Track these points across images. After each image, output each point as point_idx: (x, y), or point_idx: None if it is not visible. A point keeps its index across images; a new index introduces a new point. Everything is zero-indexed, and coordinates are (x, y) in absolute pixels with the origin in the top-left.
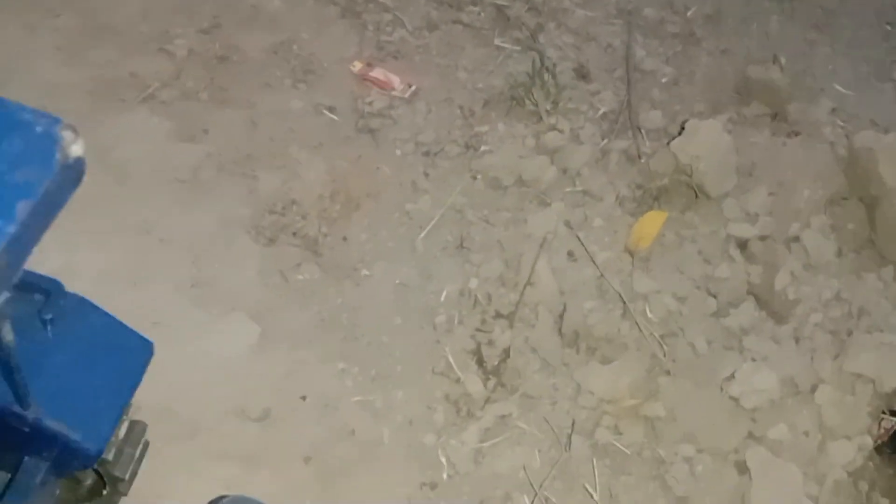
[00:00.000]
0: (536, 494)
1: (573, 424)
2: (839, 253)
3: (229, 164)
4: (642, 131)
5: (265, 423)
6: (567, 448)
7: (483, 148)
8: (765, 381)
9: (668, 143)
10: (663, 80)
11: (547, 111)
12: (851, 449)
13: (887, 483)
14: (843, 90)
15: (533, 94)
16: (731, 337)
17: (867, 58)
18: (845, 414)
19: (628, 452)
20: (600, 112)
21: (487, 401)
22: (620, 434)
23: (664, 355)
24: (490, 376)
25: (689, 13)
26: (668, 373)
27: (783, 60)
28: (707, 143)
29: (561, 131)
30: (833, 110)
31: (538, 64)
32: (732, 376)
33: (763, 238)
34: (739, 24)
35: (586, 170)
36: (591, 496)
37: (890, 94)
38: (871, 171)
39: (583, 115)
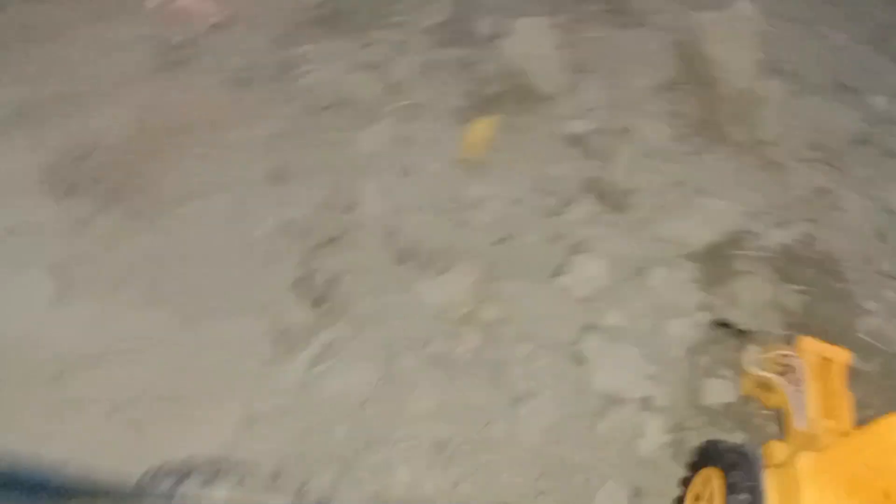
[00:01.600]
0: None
1: (406, 340)
2: (678, 137)
3: (24, 109)
4: (474, 38)
5: (60, 381)
6: (392, 365)
7: (302, 68)
8: (594, 268)
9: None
10: None
11: (372, 25)
12: (687, 325)
13: (727, 354)
14: None
15: (356, 8)
16: (568, 233)
17: None
18: (677, 290)
19: (466, 358)
20: (432, 21)
21: (316, 328)
22: (456, 342)
23: (497, 259)
24: (318, 304)
25: None
26: (503, 276)
27: None
28: (533, 42)
29: (387, 44)
30: None
31: None
32: (563, 269)
33: (599, 131)
34: None
35: (415, 82)
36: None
37: None
38: (702, 53)
39: (413, 27)
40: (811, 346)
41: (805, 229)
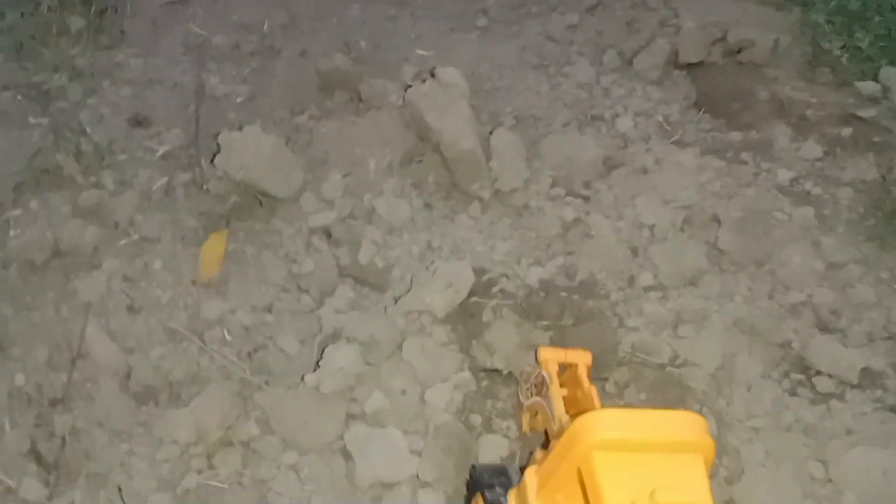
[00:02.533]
0: None
1: (155, 483)
2: (424, 207)
3: None
4: (206, 157)
5: None
6: None
7: (12, 233)
8: (350, 357)
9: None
10: (238, 101)
11: (85, 172)
12: (449, 389)
13: (501, 404)
14: (426, 52)
15: (63, 162)
16: (324, 326)
17: (448, 15)
18: (434, 357)
19: (225, 486)
20: (160, 153)
21: (50, 499)
22: (214, 470)
23: (250, 372)
24: (51, 471)
25: (264, 28)
26: (259, 388)
27: (363, 44)
28: (250, 148)
29: (103, 188)
30: (417, 74)
31: (62, 132)
32: (320, 365)
33: (343, 219)
34: (316, 23)
35: (140, 216)
36: None
37: (475, 43)
38: (422, 121)
39: (138, 162)
40: (550, 355)
41: (562, 262)
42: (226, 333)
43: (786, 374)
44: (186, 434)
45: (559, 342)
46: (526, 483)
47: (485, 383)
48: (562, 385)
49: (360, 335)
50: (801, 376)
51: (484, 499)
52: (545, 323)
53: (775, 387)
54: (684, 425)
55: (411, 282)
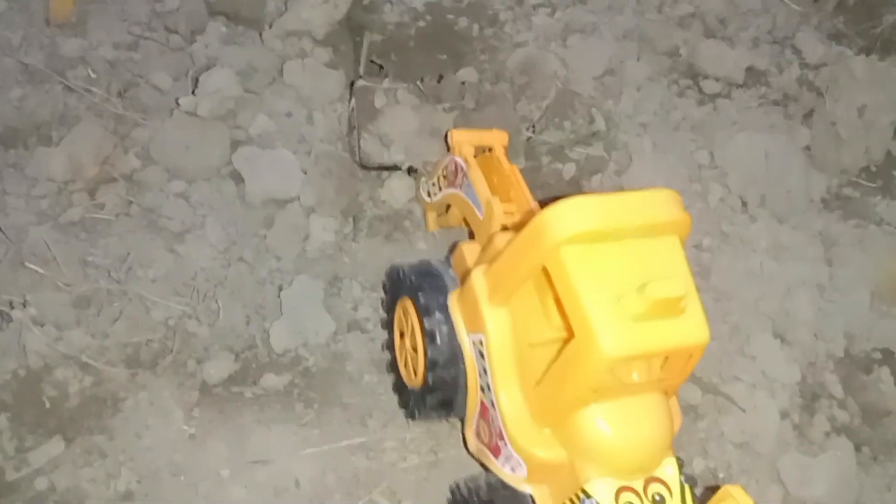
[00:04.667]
0: None
1: (34, 218)
2: None
3: None
4: None
5: None
6: (20, 242)
7: None
8: (221, 81)
9: None
10: None
11: None
12: (335, 115)
13: None
14: None
15: None
16: (197, 60)
17: None
18: (318, 78)
19: (112, 217)
20: None
21: None
22: (98, 203)
23: (122, 108)
24: None
25: None
26: (135, 123)
27: None
28: None
29: None
30: None
31: None
32: (196, 93)
33: None
34: None
35: None
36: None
37: None
38: None
39: None
40: (464, 137)
41: None
42: (90, 72)
43: (674, 81)
44: (62, 171)
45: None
46: (473, 285)
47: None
48: None
49: (237, 64)
50: (688, 81)
51: (415, 304)
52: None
53: (664, 90)
54: (659, 205)
55: (286, 5)
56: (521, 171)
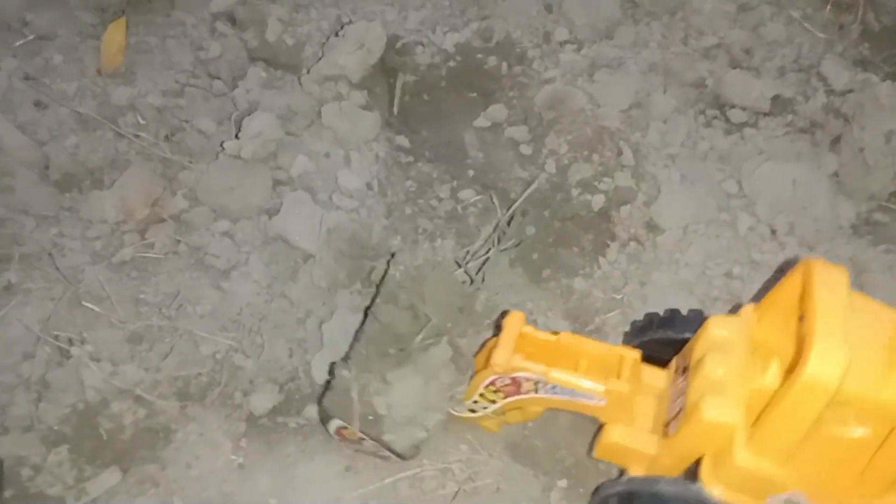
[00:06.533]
0: (39, 339)
1: (89, 259)
2: None
3: None
4: None
5: None
6: (76, 282)
7: None
8: (263, 124)
9: None
10: None
11: None
12: (373, 153)
13: None
14: None
15: None
16: (239, 104)
17: None
18: (353, 119)
19: (161, 256)
20: None
21: None
22: (148, 243)
23: (170, 153)
24: None
25: None
26: (182, 166)
27: None
28: None
29: None
30: None
31: None
32: (237, 136)
33: (244, 1)
34: None
35: (31, 15)
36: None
37: None
38: None
39: None
40: (503, 355)
41: (477, 26)
42: (139, 118)
43: (701, 111)
44: (114, 213)
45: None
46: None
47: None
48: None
49: (277, 107)
50: (715, 111)
51: None
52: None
53: (690, 121)
54: None
55: (322, 50)
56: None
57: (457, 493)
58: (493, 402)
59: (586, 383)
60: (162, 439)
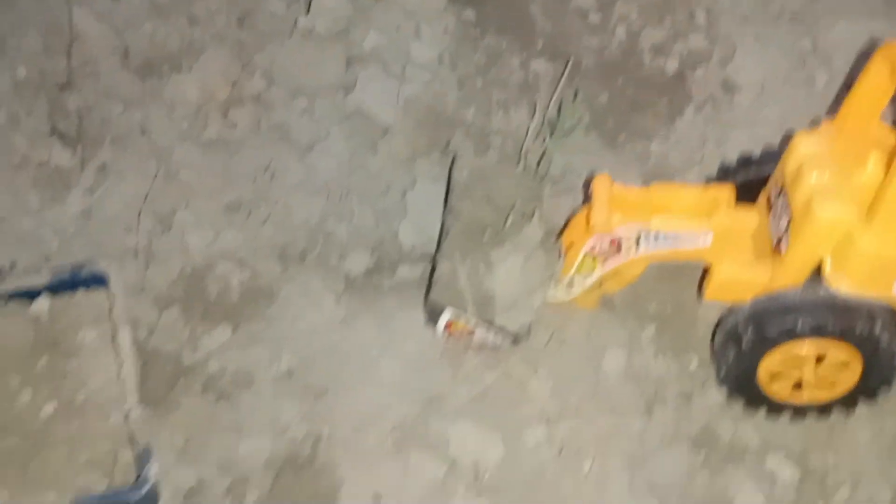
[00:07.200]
0: (141, 212)
1: (177, 136)
2: None
3: None
4: None
5: None
6: (168, 160)
7: None
8: (335, 1)
9: None
10: None
11: None
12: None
13: None
14: None
15: None
16: None
17: None
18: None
19: (246, 134)
20: None
21: (83, 160)
22: (231, 123)
23: (243, 35)
24: (75, 144)
25: None
26: (252, 49)
27: None
28: None
29: None
30: None
31: None
32: (309, 12)
33: None
34: None
35: None
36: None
37: None
38: None
39: None
40: (601, 215)
41: None
42: (210, 3)
43: None
44: (196, 95)
45: None
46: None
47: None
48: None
49: None
50: None
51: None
52: None
53: None
54: None
55: None
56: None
57: (549, 339)
58: (591, 273)
59: (692, 223)
60: (266, 298)
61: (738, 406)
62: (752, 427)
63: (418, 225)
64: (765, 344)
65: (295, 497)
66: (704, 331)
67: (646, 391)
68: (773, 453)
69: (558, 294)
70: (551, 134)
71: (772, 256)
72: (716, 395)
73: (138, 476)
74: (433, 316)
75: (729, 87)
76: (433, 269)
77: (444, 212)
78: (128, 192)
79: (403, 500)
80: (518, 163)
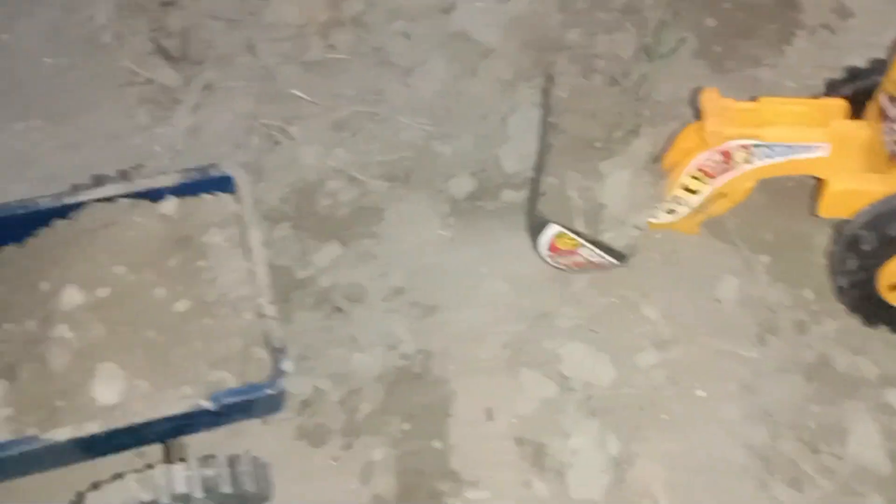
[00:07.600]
0: (251, 128)
1: (279, 57)
2: None
3: None
4: None
5: None
6: (272, 79)
7: None
8: None
9: None
10: None
11: None
12: None
13: None
14: None
15: None
16: None
17: None
18: None
19: (346, 56)
20: None
21: (187, 79)
22: (332, 45)
23: None
24: (180, 61)
25: None
26: None
27: None
28: None
29: None
30: None
31: None
32: None
33: None
34: None
35: None
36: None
37: None
38: None
39: None
40: (715, 125)
41: None
42: None
43: None
44: (296, 17)
45: None
46: None
47: None
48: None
49: None
50: None
51: None
52: None
53: None
54: None
55: None
56: None
57: (661, 262)
58: (698, 192)
59: (807, 132)
60: (375, 216)
61: (855, 337)
62: (869, 360)
63: (520, 151)
64: (888, 247)
65: (408, 410)
66: (821, 262)
67: (760, 319)
68: (892, 386)
69: (661, 216)
70: (650, 57)
71: (888, 165)
72: (833, 325)
73: (272, 372)
74: (537, 231)
75: (843, 13)
76: (537, 184)
77: (542, 131)
78: (235, 110)
79: (515, 416)
80: (619, 84)
